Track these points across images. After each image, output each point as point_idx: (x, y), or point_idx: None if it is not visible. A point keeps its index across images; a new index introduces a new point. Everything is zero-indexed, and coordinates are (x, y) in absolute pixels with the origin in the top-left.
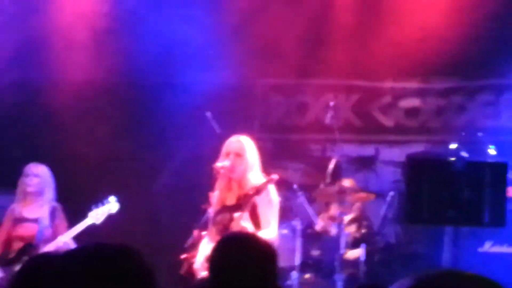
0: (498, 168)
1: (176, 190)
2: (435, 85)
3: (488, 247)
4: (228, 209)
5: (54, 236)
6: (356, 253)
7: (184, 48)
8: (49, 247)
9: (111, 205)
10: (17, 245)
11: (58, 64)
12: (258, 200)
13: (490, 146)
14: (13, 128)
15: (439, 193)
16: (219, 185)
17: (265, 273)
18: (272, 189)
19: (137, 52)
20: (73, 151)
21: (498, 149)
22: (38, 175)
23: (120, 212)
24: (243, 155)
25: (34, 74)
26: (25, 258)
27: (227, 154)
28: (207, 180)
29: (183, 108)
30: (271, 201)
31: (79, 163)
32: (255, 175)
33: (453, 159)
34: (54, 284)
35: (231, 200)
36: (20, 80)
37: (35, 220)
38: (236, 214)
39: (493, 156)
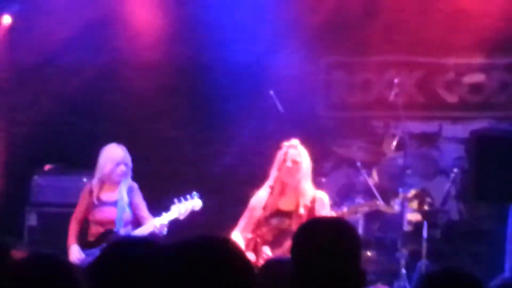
0: None
1: (240, 170)
2: (499, 61)
3: None
4: (286, 214)
5: (134, 217)
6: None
7: (246, 28)
8: (141, 229)
9: (195, 201)
10: (96, 229)
11: (124, 46)
12: (318, 210)
13: None
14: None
15: (507, 170)
16: (272, 187)
17: (352, 257)
18: (327, 199)
19: (200, 33)
20: (143, 132)
21: None
22: (126, 163)
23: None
24: (300, 163)
25: (102, 55)
26: (106, 243)
27: (284, 161)
28: (271, 159)
29: (246, 88)
30: (328, 208)
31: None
32: (309, 184)
33: None
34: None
35: (287, 206)
36: (90, 61)
37: (114, 203)
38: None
39: None
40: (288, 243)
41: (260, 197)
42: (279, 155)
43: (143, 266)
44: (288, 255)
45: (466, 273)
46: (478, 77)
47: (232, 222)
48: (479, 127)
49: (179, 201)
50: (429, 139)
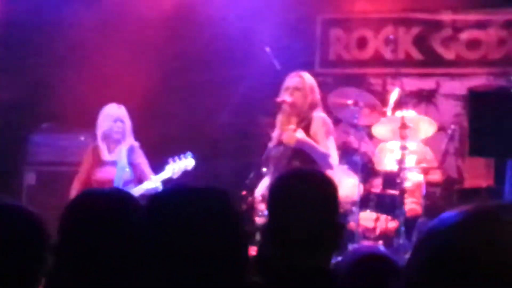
0: None
1: (237, 128)
2: (495, 17)
3: None
4: (283, 143)
5: (135, 175)
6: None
7: None
8: (135, 189)
9: (188, 161)
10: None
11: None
12: (314, 129)
13: None
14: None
15: (504, 126)
16: (278, 121)
17: (327, 209)
18: (328, 120)
19: None
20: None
21: None
22: (123, 121)
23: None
24: (303, 90)
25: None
26: None
27: (287, 89)
28: (267, 117)
29: (242, 44)
30: (328, 128)
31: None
32: (316, 112)
33: None
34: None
35: (286, 136)
36: (83, 15)
37: (114, 163)
38: (291, 126)
39: None
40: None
41: (273, 137)
42: (283, 86)
43: (113, 215)
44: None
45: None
46: (475, 33)
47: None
48: (476, 83)
49: (173, 160)
50: (426, 96)
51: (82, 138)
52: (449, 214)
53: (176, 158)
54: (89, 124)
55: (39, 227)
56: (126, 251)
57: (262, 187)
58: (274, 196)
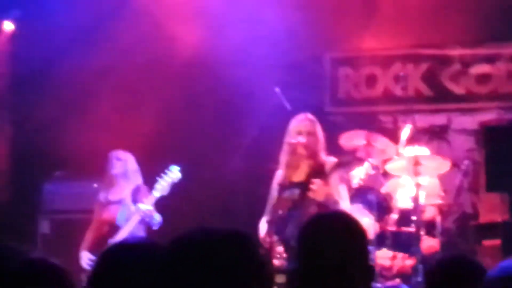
0: None
1: (248, 170)
2: (504, 50)
3: None
4: (296, 185)
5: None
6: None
7: (250, 24)
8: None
9: (173, 174)
10: (103, 229)
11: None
12: (327, 173)
13: None
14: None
15: None
16: (286, 161)
17: (358, 251)
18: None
19: (206, 26)
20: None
21: None
22: (121, 159)
23: (192, 190)
24: (315, 134)
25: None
26: (110, 239)
27: (299, 133)
28: (278, 159)
29: (252, 85)
30: (340, 174)
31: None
32: (324, 155)
33: None
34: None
35: (298, 177)
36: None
37: (119, 202)
38: (317, 180)
39: None
40: (302, 209)
41: (278, 175)
42: (292, 127)
43: (141, 269)
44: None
45: (470, 260)
46: (484, 68)
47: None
48: (487, 117)
49: (160, 178)
50: (438, 132)
51: (95, 185)
52: (509, 263)
53: (162, 175)
54: (102, 170)
55: (64, 280)
56: None
57: (264, 228)
58: (305, 239)
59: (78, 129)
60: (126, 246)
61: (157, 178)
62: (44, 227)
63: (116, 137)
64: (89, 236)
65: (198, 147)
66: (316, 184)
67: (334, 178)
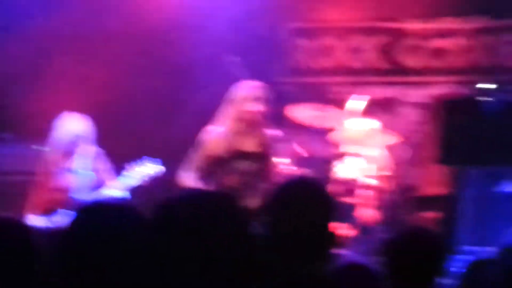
0: None
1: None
2: (461, 25)
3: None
4: (250, 157)
5: (97, 184)
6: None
7: None
8: (93, 196)
9: (156, 167)
10: (56, 196)
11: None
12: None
13: None
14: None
15: (472, 134)
16: (236, 128)
17: (320, 219)
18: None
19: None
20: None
21: None
22: (84, 137)
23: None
24: (267, 102)
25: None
26: (65, 209)
27: (258, 99)
28: None
29: (206, 52)
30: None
31: (110, 114)
32: (267, 125)
33: (488, 99)
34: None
35: (249, 147)
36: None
37: (74, 170)
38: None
39: None
40: (258, 193)
41: (215, 135)
42: (246, 93)
43: (125, 229)
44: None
45: (424, 232)
46: (440, 42)
47: None
48: (441, 92)
49: (138, 166)
50: (391, 104)
51: (35, 147)
52: None
53: (134, 164)
54: (42, 133)
55: (28, 239)
56: (136, 267)
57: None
58: (271, 205)
59: (28, 91)
60: (107, 205)
61: (127, 166)
62: None
63: (66, 103)
64: (36, 200)
65: (148, 115)
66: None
67: (272, 152)
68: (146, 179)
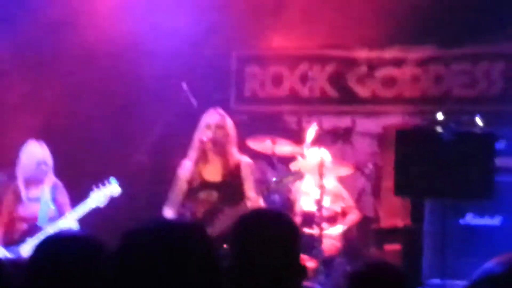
0: (487, 139)
1: (153, 164)
2: (410, 54)
3: (469, 218)
4: (212, 186)
5: (57, 213)
6: (336, 230)
7: (160, 18)
8: (53, 228)
9: (113, 187)
10: (20, 226)
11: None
12: (244, 176)
13: (476, 117)
14: None
15: (427, 165)
16: (196, 157)
17: (290, 250)
18: (254, 166)
19: (113, 22)
20: (55, 125)
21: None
22: (47, 163)
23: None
24: (225, 128)
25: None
26: (29, 238)
27: (208, 127)
28: (185, 155)
29: (159, 80)
30: (255, 176)
31: (61, 138)
32: (235, 150)
33: (440, 129)
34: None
35: (212, 176)
36: None
37: (37, 200)
38: (252, 194)
39: (479, 127)
40: (220, 221)
41: (185, 167)
42: (202, 121)
43: (81, 260)
44: (219, 233)
45: (389, 266)
46: (390, 71)
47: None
48: (392, 121)
49: (97, 187)
50: (342, 134)
51: None
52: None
53: (100, 185)
54: (7, 162)
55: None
56: None
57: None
58: (240, 237)
59: None
60: (65, 238)
61: (94, 187)
62: None
63: (22, 128)
64: None
65: (104, 142)
66: (252, 200)
67: (249, 179)
68: (105, 201)
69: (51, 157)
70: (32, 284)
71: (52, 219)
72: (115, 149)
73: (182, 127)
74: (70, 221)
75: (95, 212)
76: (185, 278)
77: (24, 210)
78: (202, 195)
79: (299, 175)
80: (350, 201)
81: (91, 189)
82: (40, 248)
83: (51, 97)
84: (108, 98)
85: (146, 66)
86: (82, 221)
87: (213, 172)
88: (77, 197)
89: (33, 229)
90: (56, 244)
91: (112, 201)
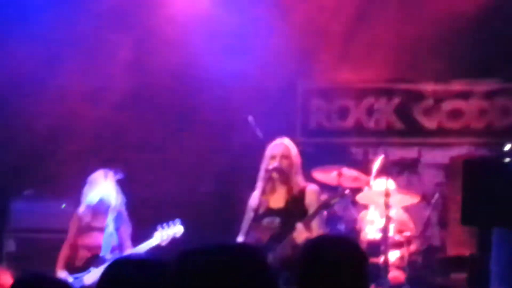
0: None
1: (220, 198)
2: (477, 87)
3: None
4: (276, 213)
5: (119, 243)
6: (401, 259)
7: (227, 52)
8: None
9: (177, 228)
10: (83, 254)
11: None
12: (308, 203)
13: None
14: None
15: (496, 195)
16: (262, 188)
17: (357, 276)
18: (320, 192)
19: (175, 56)
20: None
21: None
22: (113, 194)
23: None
24: (289, 157)
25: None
26: (93, 268)
27: (273, 157)
28: (251, 187)
29: (224, 113)
30: (315, 200)
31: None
32: (300, 178)
33: (507, 159)
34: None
35: (277, 203)
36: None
37: (101, 229)
38: (299, 225)
39: None
40: (280, 246)
41: (253, 197)
42: (267, 152)
43: (147, 283)
44: (280, 259)
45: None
46: (456, 104)
47: None
48: (458, 153)
49: (162, 227)
50: (409, 165)
51: (64, 205)
52: None
53: (164, 225)
54: (71, 190)
55: None
56: None
57: None
58: (305, 260)
59: (51, 150)
60: (132, 261)
61: (158, 227)
62: (10, 245)
63: (89, 161)
64: (64, 257)
65: (175, 174)
66: (298, 230)
67: (314, 206)
68: (168, 240)
69: (117, 187)
70: None
71: (114, 249)
72: (185, 179)
73: (249, 159)
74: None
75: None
76: None
77: (89, 239)
78: (266, 221)
79: (342, 193)
80: (415, 231)
81: (155, 228)
82: (109, 271)
83: (126, 137)
84: (177, 133)
85: (215, 102)
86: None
87: (278, 200)
88: (142, 229)
89: (96, 258)
90: (124, 268)
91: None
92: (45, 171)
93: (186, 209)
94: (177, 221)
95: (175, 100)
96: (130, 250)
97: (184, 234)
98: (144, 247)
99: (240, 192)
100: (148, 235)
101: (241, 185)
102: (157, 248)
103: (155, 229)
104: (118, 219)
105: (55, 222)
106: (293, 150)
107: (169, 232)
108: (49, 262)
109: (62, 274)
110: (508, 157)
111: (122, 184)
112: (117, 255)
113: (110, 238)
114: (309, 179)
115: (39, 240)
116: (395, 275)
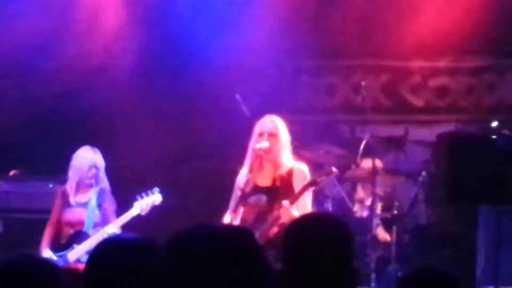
0: None
1: (207, 174)
2: (464, 64)
3: None
4: (263, 191)
5: (103, 220)
6: (387, 235)
7: (215, 28)
8: (95, 235)
9: (155, 196)
10: (67, 231)
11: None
12: (296, 182)
13: None
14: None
15: (481, 171)
16: (250, 165)
17: (344, 254)
18: (307, 172)
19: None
20: (111, 133)
21: None
22: (98, 167)
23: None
24: (277, 135)
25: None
26: (75, 244)
27: (261, 135)
28: (238, 164)
29: (212, 90)
30: (303, 178)
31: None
32: (288, 156)
33: (495, 136)
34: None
35: (264, 181)
36: (50, 66)
37: (84, 205)
38: (285, 202)
39: None
40: (266, 224)
41: (242, 174)
42: (255, 129)
43: (139, 265)
44: (266, 237)
45: (441, 271)
46: (444, 81)
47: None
48: (445, 130)
49: (141, 197)
50: (396, 143)
51: (51, 185)
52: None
53: (143, 194)
54: (58, 170)
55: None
56: None
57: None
58: (290, 239)
59: (35, 129)
60: (122, 241)
61: (137, 197)
62: None
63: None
64: (48, 235)
65: (159, 152)
66: (284, 208)
67: (304, 199)
68: (147, 209)
69: (103, 161)
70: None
71: (97, 225)
72: (169, 158)
73: (234, 138)
74: (114, 228)
75: (150, 218)
76: (234, 282)
77: (72, 215)
78: (252, 199)
79: (329, 172)
80: (402, 209)
81: (139, 194)
82: (98, 252)
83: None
84: (163, 109)
85: (201, 79)
86: (140, 225)
87: (265, 178)
88: (126, 203)
89: (79, 235)
90: (113, 248)
91: (168, 207)
92: (32, 151)
93: (173, 184)
94: (156, 189)
95: (164, 78)
96: (113, 224)
97: (170, 209)
98: (125, 217)
99: (227, 169)
100: (129, 206)
101: (228, 163)
102: (138, 217)
103: (135, 199)
104: (101, 195)
105: (43, 202)
106: (282, 127)
107: (148, 200)
108: (37, 242)
109: (46, 253)
110: (495, 134)
111: (108, 160)
112: (99, 231)
113: (92, 213)
114: (297, 157)
115: (27, 220)
116: (381, 254)
